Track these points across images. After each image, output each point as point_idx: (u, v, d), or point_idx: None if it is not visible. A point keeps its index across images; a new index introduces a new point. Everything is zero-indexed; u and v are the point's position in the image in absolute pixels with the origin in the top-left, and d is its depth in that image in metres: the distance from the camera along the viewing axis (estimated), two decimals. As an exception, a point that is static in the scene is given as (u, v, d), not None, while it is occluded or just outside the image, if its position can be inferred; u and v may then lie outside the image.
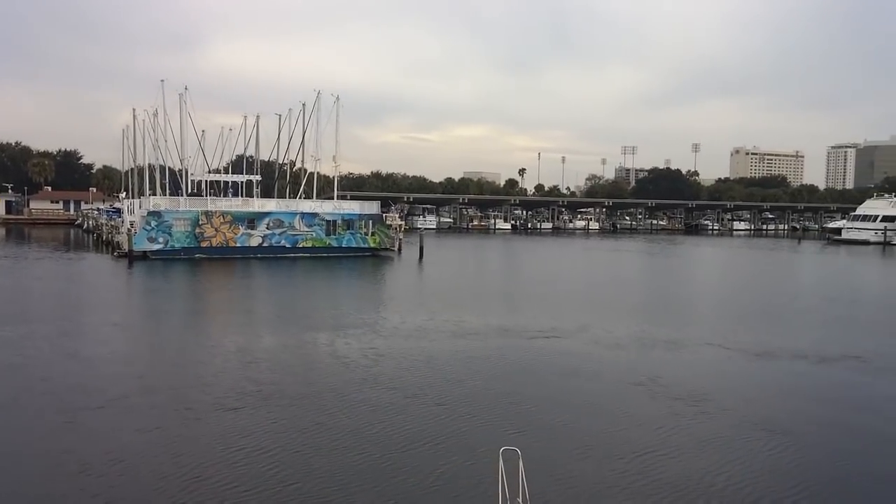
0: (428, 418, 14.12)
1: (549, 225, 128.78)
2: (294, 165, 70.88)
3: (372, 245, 57.52)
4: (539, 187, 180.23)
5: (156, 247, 51.07)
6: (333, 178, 64.91)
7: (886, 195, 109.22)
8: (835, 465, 12.27)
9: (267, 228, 54.37)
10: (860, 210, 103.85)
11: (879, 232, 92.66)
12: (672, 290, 41.05)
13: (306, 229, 55.56)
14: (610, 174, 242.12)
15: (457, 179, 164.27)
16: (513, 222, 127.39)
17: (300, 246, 55.18)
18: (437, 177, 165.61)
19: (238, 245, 53.32)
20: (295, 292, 36.11)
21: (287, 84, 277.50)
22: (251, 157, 73.49)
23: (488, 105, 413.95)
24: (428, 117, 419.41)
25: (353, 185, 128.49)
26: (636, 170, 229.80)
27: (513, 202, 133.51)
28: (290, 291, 36.26)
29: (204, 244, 52.29)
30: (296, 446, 12.51)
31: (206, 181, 65.02)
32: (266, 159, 72.89)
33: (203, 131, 71.29)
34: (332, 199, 62.39)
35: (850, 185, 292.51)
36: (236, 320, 26.40)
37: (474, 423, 13.90)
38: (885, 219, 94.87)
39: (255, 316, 27.70)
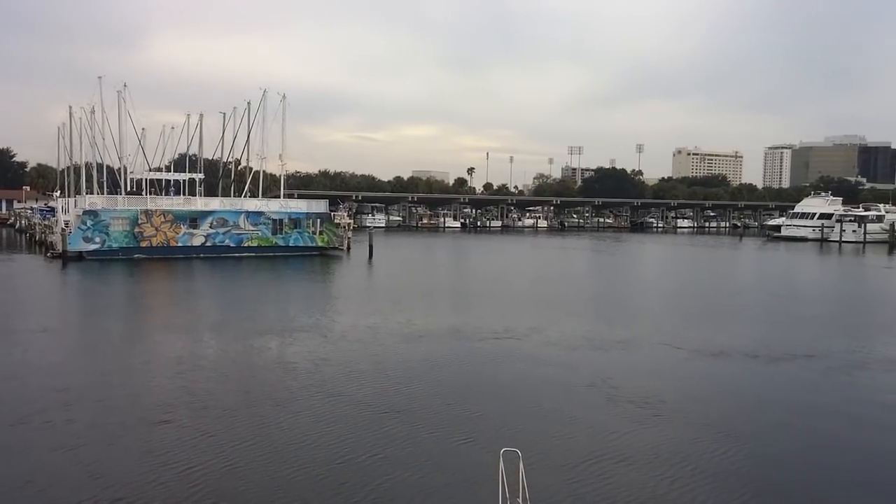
0: (374, 427, 13.45)
1: (499, 223, 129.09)
2: (239, 164, 69.31)
3: (320, 244, 56.45)
4: (488, 186, 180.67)
5: (92, 247, 49.04)
6: (280, 176, 63.54)
7: (823, 194, 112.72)
8: (787, 469, 12.09)
9: (210, 227, 52.76)
10: (798, 208, 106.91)
11: (817, 229, 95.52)
12: (620, 287, 41.23)
13: (252, 228, 54.13)
14: (557, 174, 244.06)
15: (406, 178, 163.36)
16: (462, 221, 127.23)
17: (245, 245, 53.73)
18: (385, 176, 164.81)
19: (180, 245, 51.60)
20: (239, 293, 34.92)
21: (231, 82, 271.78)
22: (194, 155, 71.58)
23: (436, 104, 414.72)
24: (376, 116, 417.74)
25: (301, 184, 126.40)
26: (582, 169, 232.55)
27: (462, 201, 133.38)
28: (233, 293, 35.05)
29: (143, 244, 50.43)
30: (230, 461, 11.68)
31: (147, 180, 62.98)
32: (210, 158, 71.14)
33: (143, 129, 69.08)
34: (279, 197, 61.02)
35: (786, 184, 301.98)
36: (175, 324, 25.16)
37: (422, 431, 13.31)
38: (822, 216, 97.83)
39: (196, 319, 26.43)
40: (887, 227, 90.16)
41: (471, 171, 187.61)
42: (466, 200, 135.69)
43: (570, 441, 13.00)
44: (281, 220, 55.23)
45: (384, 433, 13.11)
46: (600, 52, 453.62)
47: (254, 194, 61.11)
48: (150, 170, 66.85)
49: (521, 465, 6.87)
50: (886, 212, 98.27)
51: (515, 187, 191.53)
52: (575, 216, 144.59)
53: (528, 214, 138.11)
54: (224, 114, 66.02)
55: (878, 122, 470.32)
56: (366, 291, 36.41)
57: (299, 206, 58.68)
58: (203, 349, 20.42)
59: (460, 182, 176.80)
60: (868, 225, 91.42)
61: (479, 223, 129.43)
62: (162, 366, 18.28)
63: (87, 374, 17.78)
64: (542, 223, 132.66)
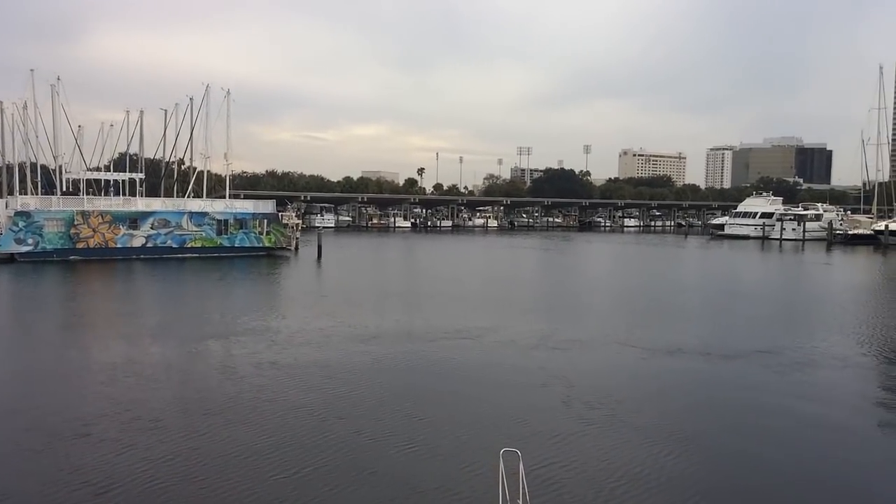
0: (317, 436, 12.78)
1: (449, 223, 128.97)
2: (183, 163, 67.29)
3: (267, 245, 55.19)
4: (438, 186, 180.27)
5: (24, 249, 46.90)
6: (225, 176, 61.89)
7: (765, 194, 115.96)
8: (738, 468, 11.90)
9: (151, 228, 51.01)
10: (741, 207, 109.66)
11: (759, 227, 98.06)
12: (571, 287, 41.27)
13: (195, 229, 52.53)
14: (506, 174, 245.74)
15: (355, 179, 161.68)
16: (413, 221, 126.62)
17: (188, 246, 52.11)
18: (335, 176, 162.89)
19: (119, 246, 49.73)
20: (180, 296, 33.65)
21: (172, 78, 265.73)
22: (135, 154, 69.11)
23: (384, 104, 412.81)
24: (323, 115, 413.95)
25: (248, 184, 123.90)
26: (531, 170, 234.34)
27: (412, 201, 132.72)
28: (174, 295, 33.75)
29: (80, 245, 48.43)
30: (158, 477, 10.83)
31: (85, 180, 60.51)
32: (152, 157, 68.87)
33: (80, 127, 66.56)
34: (225, 198, 59.39)
35: (727, 184, 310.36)
36: (109, 328, 23.91)
37: (366, 438, 12.70)
38: (764, 215, 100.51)
39: (132, 323, 25.11)
40: (825, 226, 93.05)
41: (421, 171, 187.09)
42: (417, 200, 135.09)
43: (532, 445, 12.57)
44: (226, 221, 53.79)
45: (327, 442, 12.45)
46: (548, 53, 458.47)
47: (198, 194, 59.32)
48: (88, 169, 64.24)
49: (521, 466, 6.77)
50: (824, 211, 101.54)
51: (465, 187, 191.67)
52: (525, 216, 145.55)
53: (478, 214, 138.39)
54: (166, 111, 64.09)
55: (813, 123, 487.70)
56: (314, 293, 35.51)
57: (245, 206, 57.31)
58: (138, 355, 19.31)
59: (410, 182, 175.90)
60: (807, 223, 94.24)
61: (429, 223, 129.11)
62: (92, 373, 17.21)
63: (8, 383, 16.61)
64: (493, 223, 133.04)
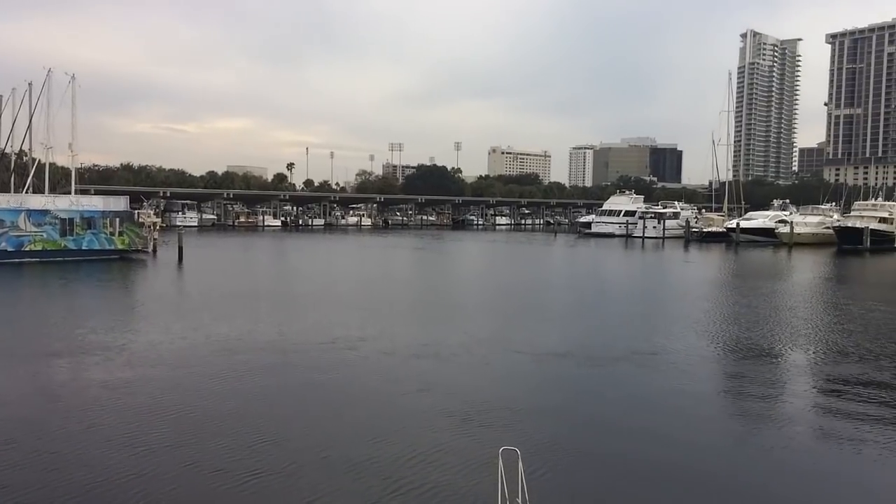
0: (166, 466, 10.69)
1: (321, 221, 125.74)
2: (24, 155, 60.43)
3: (120, 246, 50.31)
4: (308, 182, 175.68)
5: None
6: (71, 169, 56.06)
7: (628, 192, 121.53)
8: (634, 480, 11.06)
9: (-20, 229, 45.08)
10: (606, 205, 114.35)
11: (622, 225, 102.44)
12: (449, 287, 40.35)
13: (34, 229, 46.93)
14: (378, 170, 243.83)
15: (220, 174, 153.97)
16: (283, 219, 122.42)
17: (27, 249, 46.42)
18: (198, 171, 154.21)
19: (-62, 250, 43.55)
20: (12, 306, 29.43)
21: (14, 64, 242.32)
22: (-38, 143, 61.37)
23: (250, 97, 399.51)
24: (184, 107, 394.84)
25: (101, 179, 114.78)
26: (403, 166, 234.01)
27: (282, 198, 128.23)
28: (7, 306, 29.46)
29: None
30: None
31: None
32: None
33: None
34: (70, 193, 53.71)
35: (589, 182, 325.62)
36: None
37: (208, 467, 10.76)
38: (627, 213, 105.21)
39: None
40: (683, 224, 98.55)
41: (290, 166, 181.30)
42: (287, 197, 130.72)
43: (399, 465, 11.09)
44: (71, 220, 48.45)
45: (165, 472, 10.41)
46: (419, 51, 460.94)
47: (39, 189, 53.27)
48: None
49: (521, 464, 6.72)
50: (681, 209, 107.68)
51: (337, 184, 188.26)
52: (399, 214, 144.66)
53: (351, 212, 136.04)
54: (0, 96, 57.38)
55: (665, 125, 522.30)
56: (174, 299, 32.26)
57: (94, 203, 52.01)
58: (-46, 385, 16.06)
59: (280, 178, 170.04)
60: (666, 221, 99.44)
61: (300, 221, 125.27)
62: None
63: None
64: (366, 221, 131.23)
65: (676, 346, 21.61)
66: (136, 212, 56.23)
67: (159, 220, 66.18)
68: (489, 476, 11.04)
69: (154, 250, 53.22)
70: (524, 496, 6.68)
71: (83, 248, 48.61)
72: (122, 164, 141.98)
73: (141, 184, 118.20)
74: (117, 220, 50.73)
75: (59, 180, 62.81)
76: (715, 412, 15.42)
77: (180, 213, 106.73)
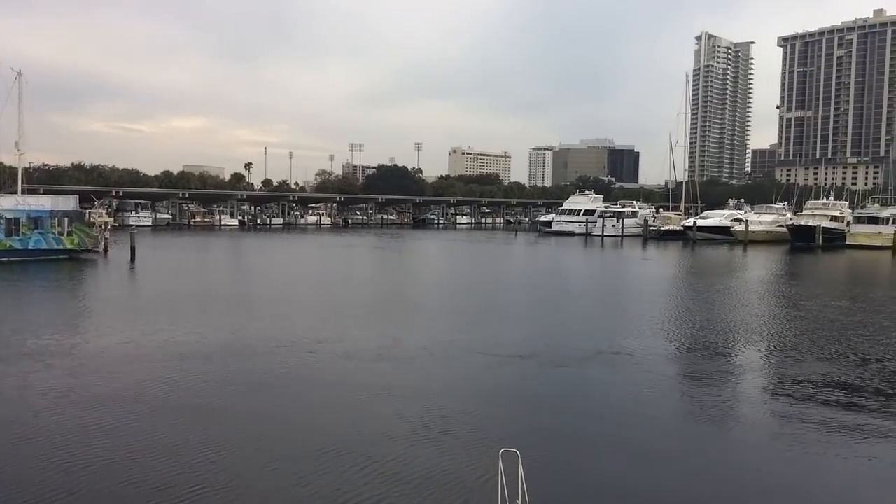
0: (95, 485, 10.09)
1: (280, 221, 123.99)
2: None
3: (69, 247, 48.59)
4: (267, 182, 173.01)
5: None
6: (18, 168, 54.07)
7: (587, 192, 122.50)
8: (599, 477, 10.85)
9: (-81, 229, 43.08)
10: (566, 204, 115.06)
11: (582, 224, 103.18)
12: (411, 287, 39.93)
13: (-23, 230, 45.09)
14: (338, 170, 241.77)
15: (176, 173, 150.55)
16: (241, 218, 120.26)
17: (-31, 250, 44.59)
18: (153, 170, 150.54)
19: None
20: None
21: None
22: None
23: (207, 95, 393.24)
24: (139, 106, 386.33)
25: (51, 178, 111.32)
26: (363, 166, 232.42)
27: (240, 197, 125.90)
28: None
29: None
30: None
31: None
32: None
33: None
34: (17, 193, 51.76)
35: (548, 182, 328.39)
36: None
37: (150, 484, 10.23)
38: (587, 213, 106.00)
39: None
40: (641, 223, 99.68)
41: (248, 165, 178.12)
42: (245, 196, 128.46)
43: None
44: (17, 220, 46.58)
45: (101, 490, 9.82)
46: (379, 52, 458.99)
47: (-18, 189, 51.36)
48: None
49: (521, 466, 6.65)
50: (639, 208, 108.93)
51: (296, 183, 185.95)
52: (359, 213, 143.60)
53: (311, 212, 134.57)
54: (-60, 92, 54.84)
55: (622, 126, 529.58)
56: (124, 301, 31.17)
57: (42, 202, 50.11)
58: None
59: (237, 177, 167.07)
60: (625, 220, 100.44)
61: (259, 221, 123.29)
62: None
63: None
64: (326, 220, 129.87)
65: (635, 346, 21.57)
66: (86, 211, 54.51)
67: (111, 219, 64.40)
68: (452, 484, 10.69)
69: (105, 250, 51.61)
70: (524, 498, 6.60)
71: (30, 248, 46.81)
72: (73, 164, 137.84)
73: (93, 183, 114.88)
74: (66, 219, 49.01)
75: (5, 180, 60.67)
76: (675, 413, 15.34)
77: (134, 212, 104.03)
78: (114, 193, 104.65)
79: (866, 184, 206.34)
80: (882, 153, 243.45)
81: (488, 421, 13.92)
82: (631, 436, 13.26)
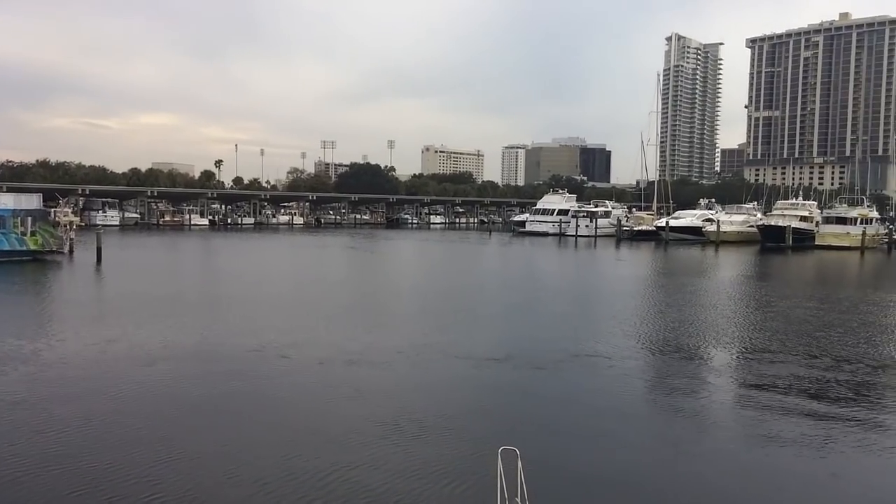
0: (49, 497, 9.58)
1: (252, 220, 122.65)
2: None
3: (32, 247, 47.27)
4: (238, 180, 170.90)
5: None
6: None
7: (561, 191, 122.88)
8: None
9: None
10: (540, 204, 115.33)
11: (556, 224, 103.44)
12: (385, 288, 39.47)
13: (-64, 230, 43.70)
14: (311, 168, 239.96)
15: (144, 171, 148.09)
16: (211, 217, 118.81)
17: (-73, 251, 43.20)
18: (120, 168, 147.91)
19: None
20: None
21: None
22: None
23: (176, 92, 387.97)
24: (106, 102, 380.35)
25: (14, 176, 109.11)
26: (336, 164, 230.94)
27: (210, 196, 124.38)
28: None
29: None
30: None
31: None
32: None
33: None
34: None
35: (521, 181, 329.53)
36: None
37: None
38: (560, 212, 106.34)
39: None
40: (614, 223, 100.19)
41: (219, 163, 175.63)
42: (215, 195, 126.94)
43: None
44: (-23, 219, 45.34)
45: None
46: (351, 50, 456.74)
47: (-59, 187, 49.82)
48: None
49: (520, 464, 6.66)
50: (612, 208, 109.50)
51: (268, 182, 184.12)
52: (332, 212, 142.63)
53: (283, 211, 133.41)
54: None
55: (594, 126, 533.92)
56: (89, 304, 30.29)
57: (4, 201, 48.70)
58: None
59: (207, 175, 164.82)
60: (598, 220, 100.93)
61: (230, 220, 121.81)
62: None
63: None
64: (299, 220, 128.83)
65: (609, 348, 21.41)
66: (51, 210, 53.14)
67: (77, 219, 62.85)
68: (426, 489, 10.36)
69: (70, 251, 50.34)
70: (523, 496, 6.57)
71: (-9, 249, 45.50)
72: (38, 161, 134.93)
73: (58, 181, 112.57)
74: (29, 219, 47.64)
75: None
76: (645, 413, 15.17)
77: (101, 211, 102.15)
78: (80, 192, 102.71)
79: (832, 183, 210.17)
80: (847, 153, 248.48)
81: (453, 422, 13.58)
82: (611, 429, 13.03)
